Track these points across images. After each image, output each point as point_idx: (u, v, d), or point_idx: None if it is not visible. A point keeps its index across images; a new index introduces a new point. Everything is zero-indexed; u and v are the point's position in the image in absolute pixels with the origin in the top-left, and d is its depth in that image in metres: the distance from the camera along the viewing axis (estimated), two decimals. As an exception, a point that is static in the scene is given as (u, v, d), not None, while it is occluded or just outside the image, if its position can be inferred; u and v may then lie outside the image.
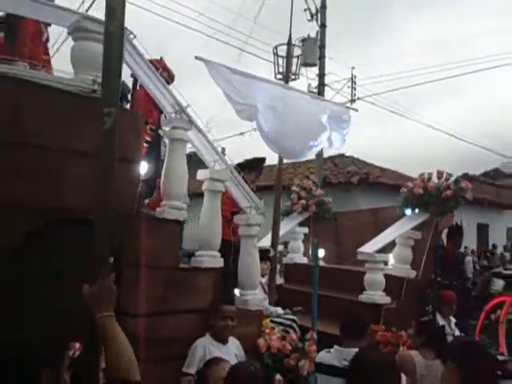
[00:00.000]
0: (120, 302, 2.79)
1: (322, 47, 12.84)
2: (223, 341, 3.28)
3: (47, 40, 3.63)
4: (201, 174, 3.53)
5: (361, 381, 2.11)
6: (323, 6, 13.04)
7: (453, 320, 5.37)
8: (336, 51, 15.62)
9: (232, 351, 3.31)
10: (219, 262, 3.47)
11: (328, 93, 13.35)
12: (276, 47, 10.34)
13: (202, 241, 3.46)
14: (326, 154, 12.19)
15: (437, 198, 5.26)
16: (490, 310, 6.75)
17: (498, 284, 7.92)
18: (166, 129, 3.35)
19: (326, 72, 13.14)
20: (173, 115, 3.34)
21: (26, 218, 2.63)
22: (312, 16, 12.91)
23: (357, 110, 5.79)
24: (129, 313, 2.98)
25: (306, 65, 12.52)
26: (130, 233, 3.00)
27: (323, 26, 12.92)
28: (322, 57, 12.90)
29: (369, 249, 5.13)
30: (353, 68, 14.49)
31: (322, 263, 6.76)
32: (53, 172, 2.69)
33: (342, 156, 14.79)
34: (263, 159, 5.24)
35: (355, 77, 14.58)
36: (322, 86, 13.11)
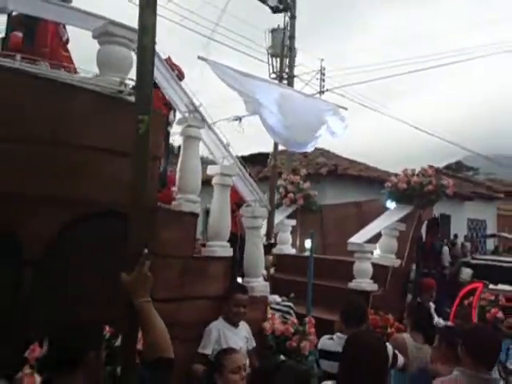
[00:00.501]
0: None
1: (292, 38, 12.88)
2: (235, 324, 3.56)
3: (67, 41, 3.79)
4: (211, 170, 3.79)
5: (354, 360, 2.20)
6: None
7: (432, 306, 5.78)
8: (306, 43, 15.97)
9: (243, 334, 3.60)
10: (229, 252, 3.74)
11: (297, 84, 13.49)
12: (269, 48, 10.60)
13: (213, 232, 3.72)
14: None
15: (420, 192, 5.66)
16: (463, 297, 7.24)
17: (466, 272, 8.42)
18: (181, 127, 3.58)
19: (296, 63, 13.15)
20: (187, 114, 3.58)
21: (48, 213, 2.81)
22: (282, 7, 12.85)
23: (346, 109, 6.10)
24: (153, 298, 3.22)
25: (275, 55, 12.61)
26: (152, 225, 3.23)
27: (293, 17, 12.96)
28: (291, 48, 12.90)
29: (358, 239, 5.49)
30: (322, 60, 14.73)
31: (293, 252, 7.13)
32: (87, 169, 2.89)
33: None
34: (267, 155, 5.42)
35: (324, 68, 14.82)
36: (291, 77, 13.09)
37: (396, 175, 6.06)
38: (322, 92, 14.59)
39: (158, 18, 2.15)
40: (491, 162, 32.37)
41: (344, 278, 5.56)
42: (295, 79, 13.25)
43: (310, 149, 5.47)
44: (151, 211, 3.20)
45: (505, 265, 8.94)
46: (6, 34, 3.70)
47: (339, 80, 14.74)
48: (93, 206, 2.93)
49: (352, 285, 5.40)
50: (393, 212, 5.85)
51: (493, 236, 19.37)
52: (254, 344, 3.66)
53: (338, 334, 3.38)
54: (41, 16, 3.15)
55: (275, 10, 12.71)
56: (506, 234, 18.98)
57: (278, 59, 12.72)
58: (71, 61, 3.78)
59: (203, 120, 3.61)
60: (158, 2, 2.15)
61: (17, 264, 2.74)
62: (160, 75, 3.46)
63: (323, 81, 14.66)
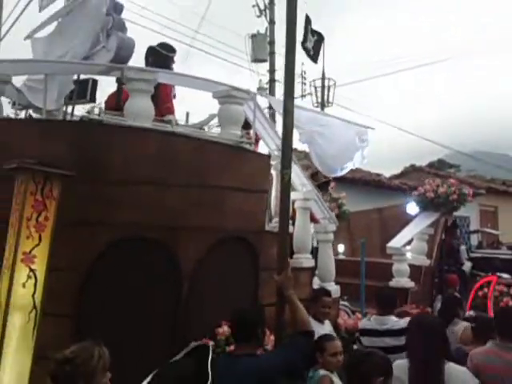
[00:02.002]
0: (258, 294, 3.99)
1: (272, 43, 13.23)
2: (321, 322, 4.46)
3: (175, 96, 4.60)
4: (295, 195, 4.69)
5: (420, 335, 2.99)
6: (271, 2, 13.42)
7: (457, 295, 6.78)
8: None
9: (328, 329, 4.51)
10: (312, 262, 4.66)
11: (279, 88, 13.61)
12: (314, 80, 11.14)
13: (298, 246, 4.63)
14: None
15: (445, 201, 6.65)
16: (478, 289, 8.27)
17: (466, 266, 9.49)
18: (273, 162, 4.46)
19: (277, 68, 13.48)
20: (276, 152, 4.46)
21: (200, 237, 3.70)
22: (261, 12, 13.34)
23: (374, 129, 7.01)
24: (263, 303, 4.12)
25: (256, 61, 12.94)
26: (261, 243, 4.13)
27: (272, 22, 13.29)
28: (271, 52, 13.27)
29: (395, 244, 6.45)
30: (302, 64, 15.46)
31: (343, 257, 8.07)
32: (218, 201, 3.76)
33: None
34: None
35: (305, 72, 15.47)
36: (272, 81, 13.52)
37: (422, 185, 7.03)
38: (303, 96, 15.26)
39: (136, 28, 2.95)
40: (472, 159, 33.71)
41: (383, 278, 6.50)
42: (276, 83, 13.56)
43: (339, 174, 6.21)
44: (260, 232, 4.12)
45: (501, 256, 10.20)
46: (118, 89, 4.51)
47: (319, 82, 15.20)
48: (228, 232, 3.82)
49: (392, 283, 6.36)
50: (422, 218, 6.83)
51: (476, 232, 20.45)
52: (336, 338, 4.58)
53: (374, 316, 4.32)
54: (176, 84, 3.99)
55: (260, 12, 13.14)
56: (488, 230, 20.08)
57: (261, 64, 13.23)
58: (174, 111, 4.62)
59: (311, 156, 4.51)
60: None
61: (177, 277, 3.61)
62: (259, 124, 4.34)
63: (304, 84, 15.19)
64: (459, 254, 7.93)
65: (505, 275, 8.11)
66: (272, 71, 13.57)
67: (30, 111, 4.15)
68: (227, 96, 3.92)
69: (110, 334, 3.24)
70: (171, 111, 4.23)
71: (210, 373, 2.07)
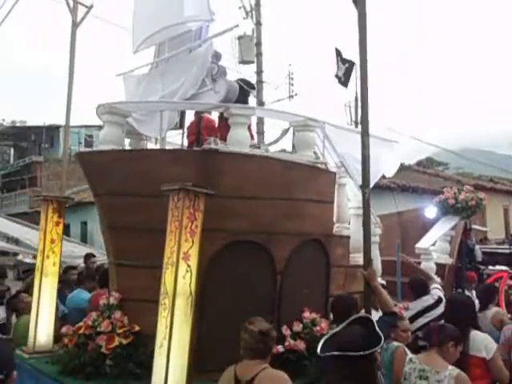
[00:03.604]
0: (329, 287, 4.97)
1: (258, 44, 13.57)
2: (377, 309, 5.43)
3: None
4: (349, 204, 5.68)
5: (454, 311, 4.19)
6: (257, 4, 13.73)
7: (474, 293, 7.81)
8: (274, 48, 17.03)
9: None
10: (366, 260, 5.64)
11: (266, 90, 14.40)
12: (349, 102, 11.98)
13: (355, 247, 5.61)
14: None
15: (465, 206, 7.69)
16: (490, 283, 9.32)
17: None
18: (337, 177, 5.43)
19: (265, 69, 14.02)
20: (336, 169, 5.46)
21: (288, 240, 4.68)
22: (247, 14, 13.58)
23: (397, 142, 8.05)
24: (332, 294, 5.10)
25: (243, 62, 12.91)
26: (330, 245, 5.12)
27: (258, 23, 13.58)
28: (258, 54, 13.55)
29: (423, 244, 7.47)
30: (290, 65, 16.21)
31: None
32: (300, 211, 4.74)
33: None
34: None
35: (292, 73, 16.24)
36: (260, 82, 13.81)
37: (443, 193, 8.08)
38: (291, 97, 15.99)
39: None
40: (459, 157, 34.93)
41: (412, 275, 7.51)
42: (263, 84, 14.15)
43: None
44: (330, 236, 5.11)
45: (499, 251, 11.49)
46: (199, 118, 5.49)
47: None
48: (307, 235, 4.81)
49: (421, 279, 7.35)
50: (444, 222, 7.86)
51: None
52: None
53: (410, 305, 5.36)
54: (265, 116, 4.97)
55: (246, 14, 13.54)
56: (477, 226, 21.24)
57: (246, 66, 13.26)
58: None
59: (347, 171, 5.51)
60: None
61: (273, 272, 4.58)
62: (324, 147, 5.33)
63: (292, 85, 15.98)
64: (474, 253, 8.96)
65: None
66: (259, 72, 13.78)
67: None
68: (303, 125, 4.92)
69: (225, 315, 4.24)
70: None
71: (380, 333, 2.79)
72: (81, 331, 4.46)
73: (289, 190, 4.63)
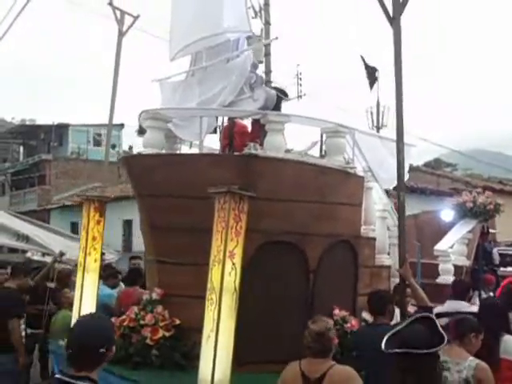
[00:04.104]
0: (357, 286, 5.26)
1: (267, 45, 14.24)
2: (400, 307, 5.74)
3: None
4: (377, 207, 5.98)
5: (487, 315, 4.36)
6: (266, 4, 14.53)
7: (491, 294, 8.07)
8: (283, 48, 17.36)
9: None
10: (390, 261, 5.94)
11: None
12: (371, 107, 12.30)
13: (380, 248, 5.90)
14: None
15: (483, 210, 7.96)
16: (504, 286, 9.58)
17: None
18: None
19: (273, 69, 14.58)
20: (363, 173, 5.75)
21: (320, 241, 4.98)
22: (256, 13, 14.36)
23: (415, 146, 8.32)
24: (360, 293, 5.40)
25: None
26: (358, 245, 5.42)
27: (267, 23, 14.37)
28: (267, 54, 14.19)
29: (442, 247, 7.75)
30: (298, 65, 16.32)
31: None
32: (331, 213, 5.04)
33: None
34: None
35: (301, 73, 16.36)
36: (268, 82, 14.37)
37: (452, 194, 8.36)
38: (300, 97, 16.17)
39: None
40: (468, 158, 34.98)
41: (430, 276, 7.79)
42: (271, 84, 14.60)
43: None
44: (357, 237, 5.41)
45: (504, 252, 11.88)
46: (231, 123, 5.79)
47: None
48: (338, 236, 5.11)
49: (439, 280, 7.65)
50: (462, 225, 8.13)
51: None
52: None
53: (448, 302, 5.63)
54: (298, 123, 5.27)
55: (255, 14, 13.97)
56: None
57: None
58: None
59: (373, 176, 5.80)
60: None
61: (306, 271, 4.88)
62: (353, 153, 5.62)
63: (300, 85, 16.11)
64: (491, 255, 9.24)
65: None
66: (268, 73, 14.30)
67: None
68: (335, 131, 5.22)
69: (260, 311, 4.54)
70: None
71: (443, 332, 2.90)
72: (125, 323, 4.77)
73: (321, 193, 4.93)
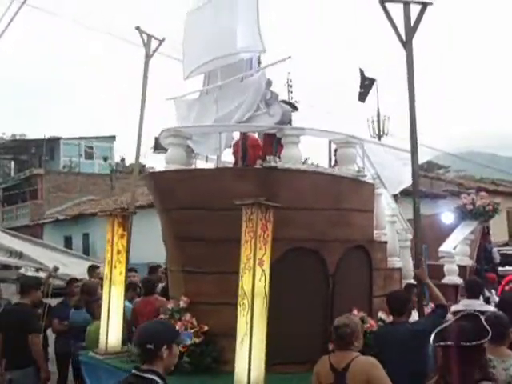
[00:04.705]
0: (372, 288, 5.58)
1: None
2: (412, 307, 6.07)
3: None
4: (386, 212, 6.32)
5: (507, 309, 4.71)
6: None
7: (494, 292, 8.44)
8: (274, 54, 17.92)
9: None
10: (400, 264, 6.27)
11: None
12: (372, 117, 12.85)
13: (391, 252, 6.23)
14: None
15: (483, 211, 8.34)
16: (505, 284, 9.98)
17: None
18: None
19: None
20: (372, 180, 6.09)
21: (337, 246, 5.30)
22: None
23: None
24: (375, 294, 5.72)
25: None
26: (372, 250, 5.74)
27: None
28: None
29: (446, 248, 8.11)
30: (289, 73, 16.81)
31: None
32: (346, 220, 5.37)
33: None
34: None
35: (291, 80, 16.84)
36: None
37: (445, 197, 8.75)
38: (291, 104, 16.59)
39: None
40: (461, 160, 35.53)
41: (436, 277, 8.13)
42: None
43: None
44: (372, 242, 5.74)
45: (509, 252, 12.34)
46: (244, 137, 6.11)
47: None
48: (353, 242, 5.43)
49: (445, 280, 7.99)
50: (464, 226, 8.51)
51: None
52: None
53: (462, 300, 5.98)
54: (310, 135, 5.60)
55: None
56: None
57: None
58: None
59: (382, 182, 6.15)
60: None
61: (325, 275, 5.20)
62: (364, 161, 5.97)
63: (291, 92, 16.62)
64: (492, 255, 9.62)
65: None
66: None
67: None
68: (345, 142, 5.56)
69: (285, 313, 4.84)
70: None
71: (487, 327, 3.00)
72: (155, 332, 5.04)
73: (337, 200, 5.26)
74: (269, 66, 5.33)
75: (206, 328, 5.03)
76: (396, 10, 4.72)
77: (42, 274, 8.39)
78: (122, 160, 40.09)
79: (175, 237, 5.26)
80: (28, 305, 6.09)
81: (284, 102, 6.03)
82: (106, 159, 37.90)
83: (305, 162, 5.62)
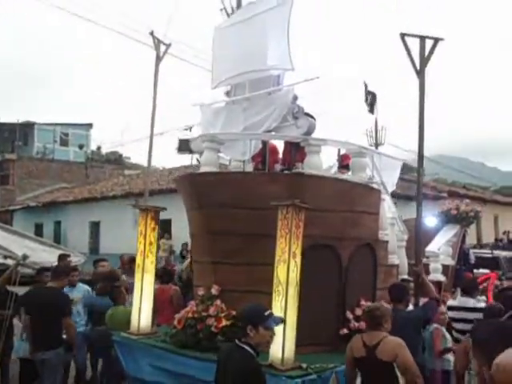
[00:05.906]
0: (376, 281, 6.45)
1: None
2: (407, 300, 6.96)
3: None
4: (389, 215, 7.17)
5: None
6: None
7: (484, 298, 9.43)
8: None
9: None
10: (398, 260, 7.14)
11: None
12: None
13: (390, 250, 7.09)
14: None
15: (465, 216, 9.34)
16: (480, 283, 11.04)
17: None
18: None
19: None
20: (376, 186, 6.93)
21: (350, 244, 6.11)
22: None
23: (405, 160, 9.64)
24: (379, 287, 6.56)
25: None
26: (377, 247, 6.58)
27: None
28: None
29: (432, 248, 9.05)
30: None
31: None
32: (358, 221, 6.18)
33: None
34: None
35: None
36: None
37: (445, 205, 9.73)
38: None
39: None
40: (434, 163, 37.19)
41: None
42: None
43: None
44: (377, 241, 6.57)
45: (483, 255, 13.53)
46: (264, 146, 6.86)
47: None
48: (363, 240, 6.26)
49: (430, 277, 8.91)
50: (448, 229, 9.50)
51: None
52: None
53: (459, 297, 6.91)
54: (329, 145, 6.37)
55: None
56: None
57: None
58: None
59: (385, 189, 7.00)
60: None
61: (340, 268, 6.00)
62: (373, 170, 6.79)
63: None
64: (468, 256, 10.68)
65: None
66: None
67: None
68: (358, 152, 6.37)
69: (307, 300, 5.60)
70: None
71: None
72: (189, 315, 5.76)
73: (352, 204, 6.07)
74: (295, 84, 6.08)
75: (234, 313, 5.76)
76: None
77: (10, 262, 8.08)
78: (98, 148, 40.08)
79: (208, 231, 5.97)
80: (58, 288, 6.57)
81: (306, 114, 6.79)
82: (81, 147, 37.85)
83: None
